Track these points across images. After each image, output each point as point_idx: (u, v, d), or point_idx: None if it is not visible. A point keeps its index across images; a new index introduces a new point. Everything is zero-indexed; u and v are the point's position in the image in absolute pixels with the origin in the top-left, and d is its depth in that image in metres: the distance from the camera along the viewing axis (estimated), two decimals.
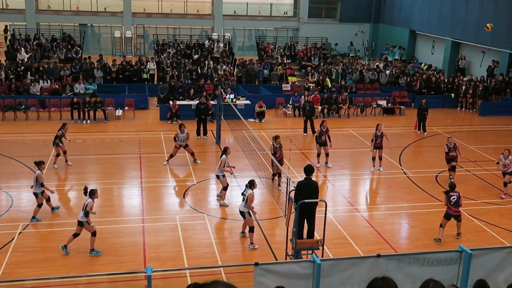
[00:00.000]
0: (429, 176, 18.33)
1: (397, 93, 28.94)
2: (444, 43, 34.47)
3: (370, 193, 17.48)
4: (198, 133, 22.11)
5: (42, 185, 13.99)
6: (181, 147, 18.64)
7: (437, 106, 28.50)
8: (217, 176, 15.84)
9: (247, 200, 12.83)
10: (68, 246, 12.45)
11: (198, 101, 22.91)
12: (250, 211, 13.03)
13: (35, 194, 14.05)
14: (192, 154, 18.91)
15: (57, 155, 18.07)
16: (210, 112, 23.30)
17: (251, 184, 13.03)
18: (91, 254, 12.41)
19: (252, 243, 13.02)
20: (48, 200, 14.41)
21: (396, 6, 39.99)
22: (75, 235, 12.45)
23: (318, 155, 18.91)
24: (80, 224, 12.43)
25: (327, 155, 18.88)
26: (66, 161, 18.26)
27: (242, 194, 13.19)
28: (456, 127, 25.73)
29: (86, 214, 12.30)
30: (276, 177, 16.90)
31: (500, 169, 16.81)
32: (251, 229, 13.06)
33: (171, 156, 18.62)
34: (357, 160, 20.27)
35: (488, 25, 22.91)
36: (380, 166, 18.70)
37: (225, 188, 15.67)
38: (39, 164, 14.22)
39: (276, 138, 16.71)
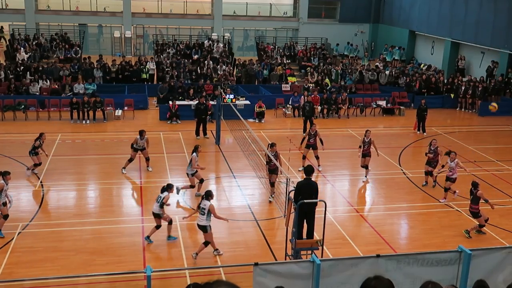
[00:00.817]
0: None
1: (397, 93, 28.94)
2: (444, 43, 34.49)
3: (369, 193, 17.47)
4: (197, 133, 22.09)
5: None
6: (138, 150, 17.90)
7: (437, 106, 28.52)
8: (187, 174, 15.94)
9: (209, 213, 12.22)
10: (151, 236, 13.04)
11: (197, 101, 22.91)
12: (211, 223, 12.33)
13: None
14: (147, 159, 18.09)
15: (35, 164, 17.29)
16: (209, 112, 23.30)
17: (208, 195, 12.38)
18: (168, 241, 13.16)
19: (216, 249, 12.56)
20: (4, 217, 13.39)
21: (396, 7, 40.01)
22: (157, 227, 13.08)
23: (304, 157, 18.50)
24: (157, 216, 13.04)
25: (317, 157, 18.47)
26: (32, 169, 17.26)
27: (200, 207, 12.42)
28: (456, 127, 25.75)
29: (162, 206, 12.96)
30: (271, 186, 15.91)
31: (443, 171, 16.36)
32: (207, 244, 12.38)
33: (131, 160, 17.83)
34: (357, 160, 20.21)
35: (491, 106, 23.41)
36: (366, 175, 17.86)
37: (201, 180, 15.96)
38: (4, 175, 13.49)
39: (271, 145, 15.65)
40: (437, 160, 17.31)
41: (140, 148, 17.80)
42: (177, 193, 15.60)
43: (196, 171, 15.82)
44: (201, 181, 16.04)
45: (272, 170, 15.61)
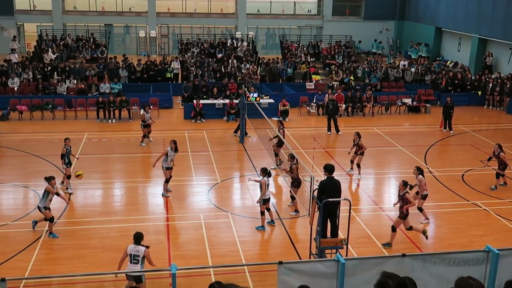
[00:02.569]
0: (455, 175, 18.08)
1: (423, 91, 28.59)
2: (471, 40, 33.93)
3: (395, 192, 17.28)
4: (236, 131, 22.07)
5: (57, 194, 13.37)
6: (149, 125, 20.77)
7: (464, 104, 28.13)
8: (162, 167, 16.00)
9: (143, 260, 10.31)
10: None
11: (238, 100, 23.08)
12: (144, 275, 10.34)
13: (39, 208, 13.34)
14: (149, 132, 20.93)
15: (68, 176, 16.12)
16: (233, 111, 23.40)
17: (139, 239, 10.38)
18: None
19: None
20: (50, 221, 13.41)
21: (422, 3, 39.52)
22: None
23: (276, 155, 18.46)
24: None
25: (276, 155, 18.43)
26: (63, 182, 16.25)
27: (131, 255, 10.29)
28: (483, 125, 25.32)
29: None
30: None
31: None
32: None
33: (144, 136, 20.75)
34: (382, 159, 20.11)
35: None
36: (351, 168, 18.01)
37: (167, 180, 15.99)
38: (49, 180, 13.32)
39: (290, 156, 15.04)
40: (505, 163, 16.66)
41: (148, 121, 20.63)
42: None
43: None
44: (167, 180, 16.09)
45: (292, 183, 14.80)
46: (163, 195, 15.93)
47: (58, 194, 13.48)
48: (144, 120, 20.71)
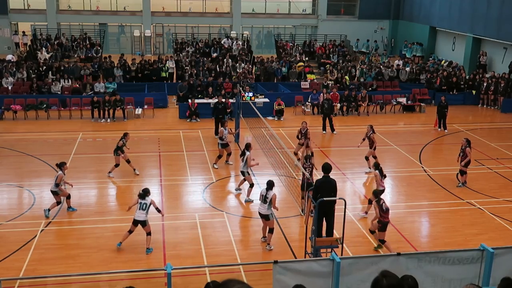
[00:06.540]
0: (450, 174, 18.11)
1: (417, 90, 28.66)
2: (465, 39, 34.04)
3: (390, 191, 17.33)
4: (216, 133, 22.11)
5: (57, 185, 14.24)
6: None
7: (458, 103, 28.21)
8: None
9: (272, 202, 12.68)
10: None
11: (216, 101, 22.94)
12: (273, 213, 12.85)
13: (52, 192, 14.41)
14: (229, 154, 18.76)
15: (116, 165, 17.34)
16: (228, 110, 23.35)
17: (271, 186, 12.82)
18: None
19: (269, 244, 12.98)
20: (67, 198, 14.66)
21: (416, 2, 39.63)
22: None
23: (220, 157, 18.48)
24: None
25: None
26: (110, 172, 17.40)
27: (264, 197, 12.78)
28: (478, 124, 25.40)
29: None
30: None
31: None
32: (271, 230, 12.94)
33: (220, 157, 18.46)
34: (377, 158, 20.10)
35: None
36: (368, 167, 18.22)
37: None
38: (61, 166, 14.41)
39: (308, 158, 15.33)
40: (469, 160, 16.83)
41: (224, 142, 18.24)
42: None
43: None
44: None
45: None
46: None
47: (57, 185, 14.25)
48: (222, 137, 18.32)
